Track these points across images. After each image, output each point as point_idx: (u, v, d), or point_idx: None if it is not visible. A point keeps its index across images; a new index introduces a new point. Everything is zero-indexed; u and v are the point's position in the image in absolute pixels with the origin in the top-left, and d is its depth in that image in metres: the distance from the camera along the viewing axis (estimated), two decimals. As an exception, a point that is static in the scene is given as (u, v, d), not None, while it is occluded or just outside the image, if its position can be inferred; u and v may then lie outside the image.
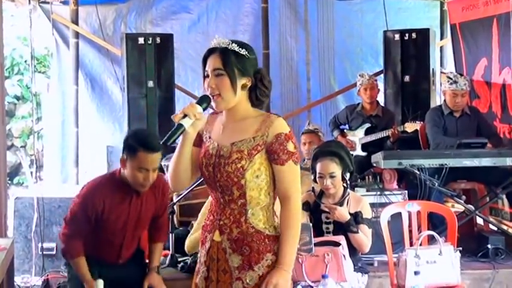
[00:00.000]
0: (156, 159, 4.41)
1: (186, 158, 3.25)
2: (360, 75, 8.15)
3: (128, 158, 4.43)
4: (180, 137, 3.20)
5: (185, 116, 3.13)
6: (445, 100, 7.26)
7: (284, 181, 3.28)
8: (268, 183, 3.29)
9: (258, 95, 3.32)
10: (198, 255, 3.45)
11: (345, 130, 8.21)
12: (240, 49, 3.26)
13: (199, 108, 3.15)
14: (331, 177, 5.04)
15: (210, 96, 3.21)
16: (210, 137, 3.32)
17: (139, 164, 4.37)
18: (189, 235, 5.94)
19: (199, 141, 3.33)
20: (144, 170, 4.38)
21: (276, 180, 3.30)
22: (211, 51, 3.26)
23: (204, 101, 3.19)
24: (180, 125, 3.10)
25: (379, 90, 8.24)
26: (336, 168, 5.05)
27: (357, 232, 4.98)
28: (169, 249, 5.96)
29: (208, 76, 3.24)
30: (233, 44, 3.26)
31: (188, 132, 3.17)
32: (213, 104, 3.24)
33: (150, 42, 8.01)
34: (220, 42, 3.27)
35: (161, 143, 3.19)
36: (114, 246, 4.63)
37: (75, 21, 9.13)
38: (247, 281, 3.25)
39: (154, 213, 4.74)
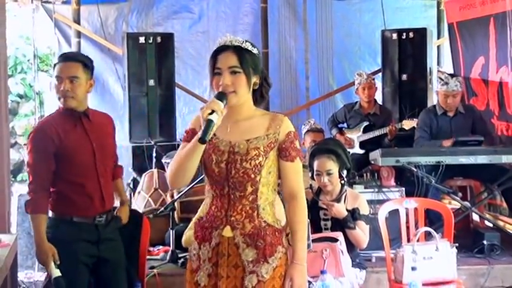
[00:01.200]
0: (69, 68, 4.20)
1: (198, 157, 3.20)
2: (358, 74, 8.15)
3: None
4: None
5: (212, 112, 3.10)
6: (438, 100, 7.30)
7: (292, 178, 3.35)
8: (275, 179, 3.35)
9: (262, 93, 3.37)
10: (193, 253, 3.39)
11: (344, 128, 8.23)
12: (253, 48, 3.31)
13: (222, 105, 3.14)
14: (328, 174, 5.05)
15: (224, 92, 3.19)
16: (215, 134, 3.27)
17: (55, 74, 4.26)
18: (186, 230, 5.93)
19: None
20: (60, 79, 4.20)
21: (284, 176, 3.35)
22: (223, 49, 3.27)
23: (223, 97, 3.17)
24: (211, 121, 3.08)
25: (376, 88, 8.24)
26: (332, 166, 5.06)
27: (354, 228, 4.99)
28: (169, 245, 5.97)
29: (218, 74, 3.24)
30: (247, 43, 3.30)
31: (212, 132, 3.13)
32: None
33: (151, 41, 8.03)
34: (233, 41, 3.29)
35: (199, 140, 3.09)
36: (89, 187, 4.29)
37: (77, 21, 9.13)
38: (263, 273, 3.26)
39: (114, 145, 4.63)
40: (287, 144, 3.30)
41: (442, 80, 7.14)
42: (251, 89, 3.30)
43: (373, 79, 8.22)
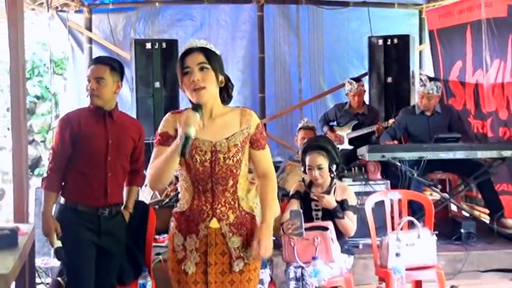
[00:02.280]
0: (97, 70, 4.31)
1: (175, 164, 3.18)
2: (348, 83, 8.16)
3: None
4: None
5: (190, 126, 3.07)
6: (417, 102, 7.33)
7: (264, 162, 3.43)
8: (246, 169, 3.40)
9: (229, 92, 3.37)
10: (177, 244, 3.36)
11: (334, 126, 8.23)
12: (216, 49, 3.31)
13: (198, 116, 3.12)
14: (319, 168, 5.06)
15: (199, 104, 3.18)
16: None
17: (87, 75, 4.36)
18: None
19: (171, 141, 3.21)
20: (91, 79, 4.30)
21: (257, 162, 3.42)
22: (189, 51, 3.25)
23: (198, 108, 3.15)
24: (189, 136, 3.04)
25: (364, 91, 8.26)
26: (323, 161, 5.07)
27: (343, 218, 4.99)
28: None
29: (188, 72, 3.21)
30: (210, 45, 3.30)
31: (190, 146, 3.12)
32: (192, 98, 3.23)
33: (156, 47, 8.03)
34: (198, 43, 3.29)
35: (180, 155, 3.06)
36: (97, 179, 4.31)
37: (89, 28, 9.16)
38: (248, 256, 3.33)
39: (133, 149, 4.52)
40: (258, 136, 3.36)
41: (422, 81, 7.19)
42: (218, 86, 3.29)
43: (363, 86, 8.22)
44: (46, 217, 4.31)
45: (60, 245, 4.21)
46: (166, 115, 3.34)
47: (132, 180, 4.64)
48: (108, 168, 4.32)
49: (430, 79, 7.32)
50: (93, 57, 9.04)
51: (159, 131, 3.31)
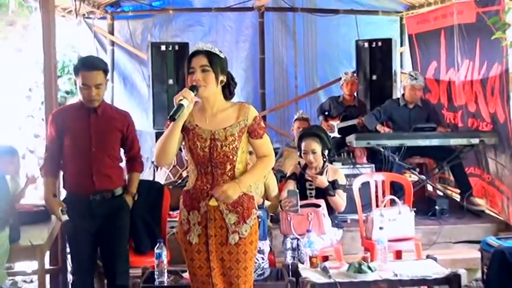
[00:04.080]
0: (95, 77, 4.10)
1: (176, 138, 3.26)
2: (344, 73, 8.18)
3: (76, 79, 4.19)
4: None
5: (183, 98, 3.18)
6: (403, 94, 7.30)
7: (264, 148, 3.47)
8: (245, 156, 3.43)
9: (231, 90, 3.42)
10: (183, 218, 3.42)
11: (327, 116, 8.22)
12: (220, 53, 3.37)
13: (192, 94, 3.22)
14: (313, 153, 5.10)
15: (195, 85, 3.26)
16: (197, 125, 3.35)
17: (82, 81, 4.11)
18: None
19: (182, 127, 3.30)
20: (87, 87, 4.10)
21: (257, 149, 3.46)
22: (196, 53, 3.33)
23: (194, 88, 3.24)
24: (181, 105, 3.15)
25: (357, 81, 8.25)
26: (316, 146, 5.09)
27: (334, 196, 5.02)
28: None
29: (192, 72, 3.29)
30: (215, 49, 3.37)
31: (183, 115, 3.19)
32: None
33: (170, 49, 8.01)
34: (204, 46, 3.35)
35: (168, 117, 3.17)
36: (83, 168, 4.19)
37: (112, 32, 9.15)
38: (243, 231, 3.38)
39: (124, 138, 4.36)
40: (255, 126, 3.38)
41: (412, 76, 7.18)
42: (219, 85, 3.35)
43: (356, 78, 8.21)
44: (47, 199, 4.27)
45: (67, 218, 4.16)
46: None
47: (130, 167, 4.53)
48: (92, 159, 4.20)
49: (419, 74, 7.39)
50: (115, 57, 9.11)
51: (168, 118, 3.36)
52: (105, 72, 4.24)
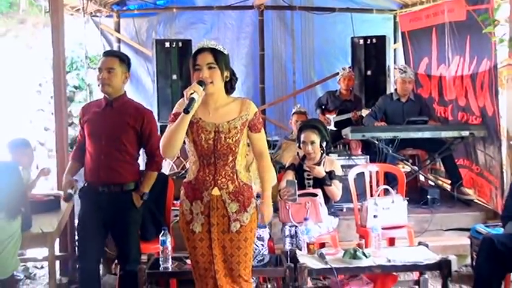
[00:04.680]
0: (108, 61, 4.16)
1: (184, 131, 3.24)
2: (342, 68, 8.16)
3: None
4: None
5: (193, 92, 3.17)
6: (396, 89, 7.30)
7: (260, 143, 3.51)
8: (245, 148, 3.46)
9: (232, 84, 3.44)
10: (185, 208, 3.42)
11: (324, 110, 8.21)
12: (224, 50, 3.38)
13: (201, 88, 3.22)
14: (312, 144, 5.10)
15: (203, 80, 3.27)
16: (201, 118, 3.34)
17: (99, 66, 4.21)
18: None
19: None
20: (100, 70, 4.16)
21: (254, 143, 3.50)
22: (201, 50, 3.32)
23: (202, 83, 3.24)
24: (193, 98, 3.15)
25: (354, 77, 8.23)
26: (315, 138, 5.10)
27: (330, 185, 5.03)
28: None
29: (198, 69, 3.30)
30: (219, 46, 3.37)
31: (194, 108, 3.18)
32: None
33: (174, 45, 8.00)
34: (209, 44, 3.35)
35: (184, 111, 3.14)
36: (94, 159, 4.18)
37: (118, 30, 9.13)
38: (244, 219, 3.40)
39: (132, 135, 4.24)
40: (255, 121, 3.43)
41: (402, 69, 7.19)
42: (224, 81, 3.37)
43: (353, 74, 8.20)
44: (64, 178, 4.28)
45: (72, 192, 4.15)
46: (180, 100, 3.39)
47: (146, 165, 4.42)
48: (101, 151, 4.18)
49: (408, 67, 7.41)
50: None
51: (172, 111, 3.37)
52: (122, 61, 4.24)
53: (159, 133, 4.38)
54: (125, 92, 4.35)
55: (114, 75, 4.18)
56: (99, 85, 4.21)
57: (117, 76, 4.19)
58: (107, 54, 4.31)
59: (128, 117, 4.23)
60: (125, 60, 4.27)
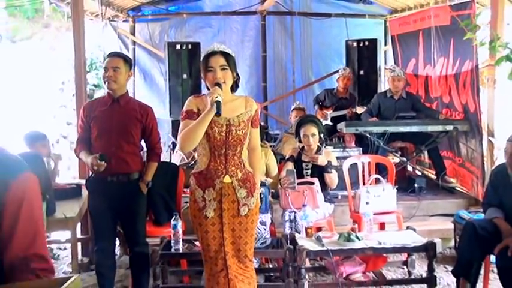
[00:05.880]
0: (113, 61, 4.16)
1: (205, 128, 3.27)
2: (343, 68, 8.12)
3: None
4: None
5: (217, 96, 3.21)
6: (389, 87, 7.28)
7: (256, 136, 3.55)
8: (247, 141, 3.48)
9: (237, 84, 3.47)
10: (198, 196, 3.40)
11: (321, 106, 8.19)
12: (232, 52, 3.42)
13: (220, 90, 3.27)
14: (313, 136, 5.09)
15: (219, 82, 3.30)
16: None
17: (104, 65, 4.21)
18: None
19: (194, 116, 3.32)
20: (106, 69, 4.15)
21: (252, 137, 3.52)
22: (213, 53, 3.35)
23: (220, 85, 3.28)
24: (219, 101, 3.19)
25: (351, 81, 8.20)
26: (315, 130, 5.09)
27: (331, 172, 5.04)
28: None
29: (211, 71, 3.32)
30: (228, 49, 3.41)
31: (221, 108, 3.21)
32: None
33: (184, 48, 7.96)
34: (220, 47, 3.39)
35: (216, 114, 3.19)
36: (104, 151, 4.11)
37: (133, 33, 9.13)
38: (251, 204, 3.44)
39: (139, 127, 4.24)
40: (256, 117, 3.49)
41: (391, 69, 7.25)
42: (232, 81, 3.41)
43: (351, 74, 8.16)
44: (86, 160, 4.19)
45: (97, 157, 4.04)
46: (190, 98, 3.45)
47: (148, 157, 4.40)
48: (111, 143, 4.15)
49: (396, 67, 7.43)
50: (136, 55, 9.09)
51: (184, 109, 3.39)
52: (126, 61, 4.24)
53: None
54: (127, 90, 4.36)
55: (119, 73, 4.17)
56: (105, 82, 4.22)
57: (122, 74, 4.19)
58: (112, 55, 4.30)
59: (134, 112, 4.24)
60: (128, 61, 4.29)
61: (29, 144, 5.03)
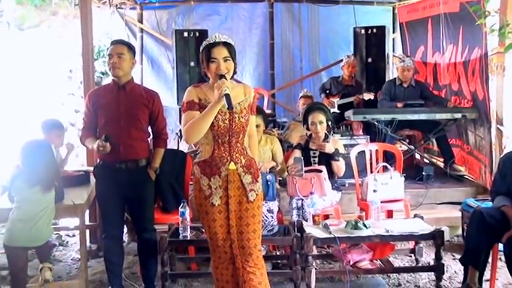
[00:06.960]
0: (117, 48, 4.16)
1: (211, 119, 3.27)
2: (347, 56, 8.08)
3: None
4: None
5: (226, 89, 3.20)
6: (398, 75, 7.26)
7: (253, 123, 3.59)
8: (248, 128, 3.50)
9: (235, 71, 3.45)
10: (204, 184, 3.39)
11: (328, 94, 8.17)
12: (231, 41, 3.42)
13: (226, 82, 3.27)
14: (321, 123, 5.09)
15: (223, 74, 3.31)
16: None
17: (109, 52, 4.20)
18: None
19: (196, 106, 3.33)
20: (111, 56, 4.15)
21: (249, 123, 3.50)
22: (215, 44, 3.34)
23: (224, 77, 3.29)
24: (228, 94, 3.19)
25: (356, 68, 8.15)
26: (323, 118, 5.10)
27: (338, 160, 5.05)
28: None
29: (213, 61, 3.31)
30: (229, 39, 3.40)
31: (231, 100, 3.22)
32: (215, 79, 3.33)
33: (191, 35, 7.94)
34: (221, 38, 3.38)
35: (228, 108, 3.20)
36: (115, 140, 4.09)
37: (141, 21, 9.10)
38: (257, 189, 3.46)
39: (146, 113, 4.24)
40: (253, 104, 3.52)
41: (401, 59, 7.23)
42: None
43: (356, 62, 8.11)
44: (93, 146, 4.16)
45: (103, 139, 4.02)
46: (189, 88, 3.47)
47: (155, 143, 4.39)
48: (120, 130, 4.14)
49: (407, 56, 7.42)
50: (143, 43, 9.08)
51: (185, 100, 3.39)
52: (129, 47, 4.24)
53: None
54: (132, 77, 4.35)
55: (123, 60, 4.17)
56: (110, 69, 4.22)
57: (126, 61, 4.19)
58: (116, 42, 4.29)
59: (141, 97, 4.24)
60: (132, 48, 4.29)
61: (45, 131, 5.05)
